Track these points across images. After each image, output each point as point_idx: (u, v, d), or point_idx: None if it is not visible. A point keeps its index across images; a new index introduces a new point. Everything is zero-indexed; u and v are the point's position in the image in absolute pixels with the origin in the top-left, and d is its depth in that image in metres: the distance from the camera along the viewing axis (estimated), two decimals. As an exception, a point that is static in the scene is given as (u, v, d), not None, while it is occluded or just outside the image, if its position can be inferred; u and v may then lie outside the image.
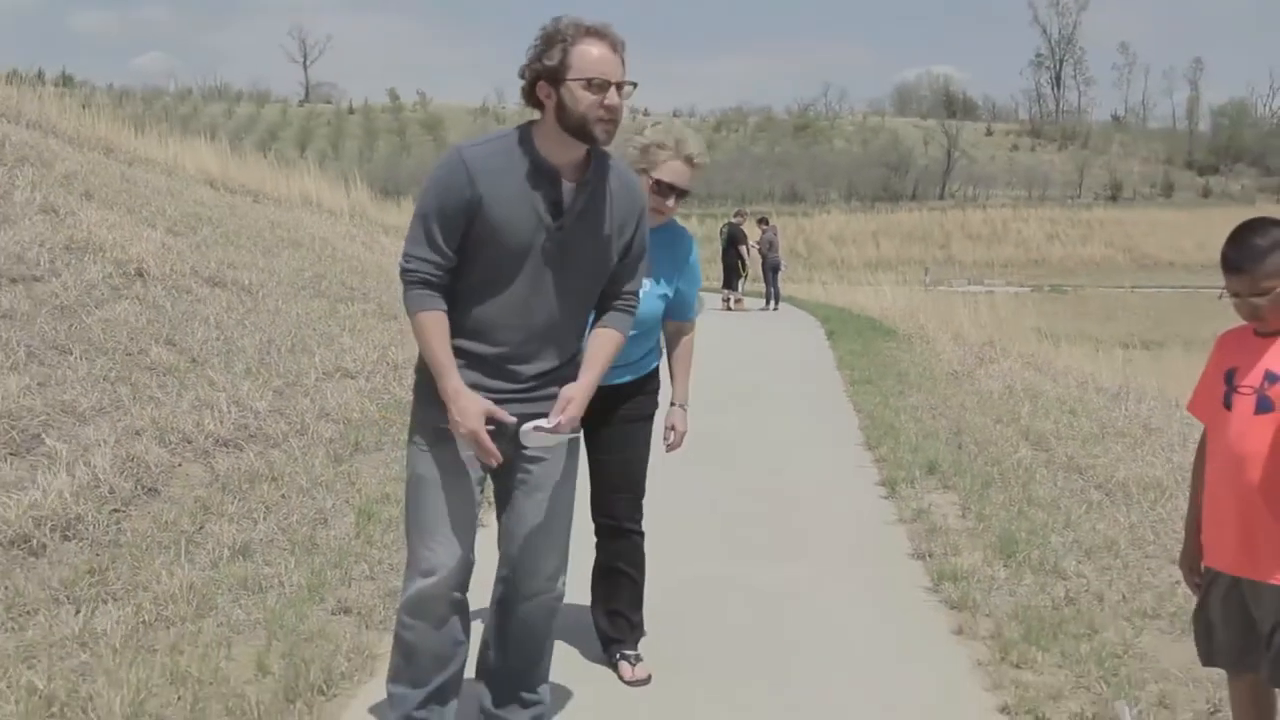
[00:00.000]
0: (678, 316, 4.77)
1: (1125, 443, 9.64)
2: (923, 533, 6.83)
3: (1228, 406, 3.47)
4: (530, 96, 3.49)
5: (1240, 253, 3.38)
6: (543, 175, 3.50)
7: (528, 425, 3.49)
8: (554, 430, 3.49)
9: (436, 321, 3.51)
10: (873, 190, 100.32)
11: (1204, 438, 3.68)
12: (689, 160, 4.49)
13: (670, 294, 4.65)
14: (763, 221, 29.06)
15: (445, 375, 3.48)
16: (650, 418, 4.73)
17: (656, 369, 4.75)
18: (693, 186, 4.55)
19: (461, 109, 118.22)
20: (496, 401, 3.56)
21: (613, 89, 3.40)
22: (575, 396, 3.53)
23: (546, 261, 3.52)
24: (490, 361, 3.60)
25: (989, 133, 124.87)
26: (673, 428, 4.81)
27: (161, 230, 11.71)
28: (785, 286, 29.39)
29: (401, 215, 23.86)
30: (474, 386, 3.55)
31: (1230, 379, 3.48)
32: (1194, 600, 3.73)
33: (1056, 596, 5.67)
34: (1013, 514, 7.16)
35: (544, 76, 3.43)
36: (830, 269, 63.95)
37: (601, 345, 3.66)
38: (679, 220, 4.77)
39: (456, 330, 3.57)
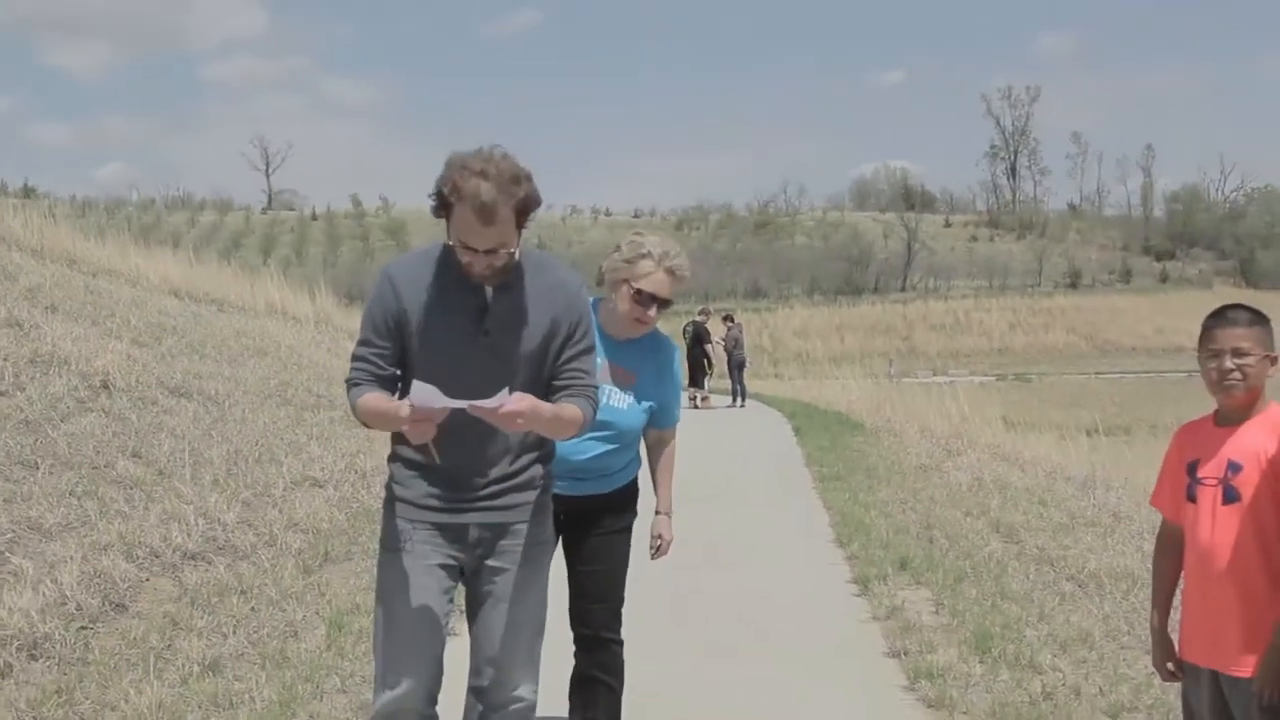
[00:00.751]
0: (660, 424, 4.77)
1: (1095, 532, 9.68)
2: (897, 630, 6.81)
3: (1192, 499, 3.50)
4: None
5: (1226, 312, 3.47)
6: (464, 283, 3.54)
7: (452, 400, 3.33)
8: (491, 409, 3.32)
9: (372, 395, 3.55)
10: (835, 284, 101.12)
11: (1162, 531, 3.72)
12: (670, 271, 4.53)
13: (655, 405, 4.66)
14: (728, 319, 29.20)
15: (388, 407, 3.47)
16: (629, 528, 4.72)
17: (636, 478, 4.75)
18: (674, 296, 4.59)
19: (424, 213, 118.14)
20: (455, 510, 3.59)
21: (480, 253, 3.42)
22: (530, 400, 3.38)
23: (481, 367, 3.53)
24: (443, 472, 3.62)
25: (948, 224, 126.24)
26: (659, 536, 4.79)
27: (126, 341, 11.68)
28: (750, 382, 29.48)
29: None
30: (431, 498, 3.62)
31: (1193, 471, 3.51)
32: (1171, 691, 3.74)
33: (1033, 692, 5.65)
34: (986, 608, 7.16)
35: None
36: (795, 363, 64.37)
37: (563, 404, 3.58)
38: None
39: (409, 443, 3.62)
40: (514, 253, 3.49)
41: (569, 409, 3.57)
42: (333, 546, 8.08)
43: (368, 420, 3.58)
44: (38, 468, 7.51)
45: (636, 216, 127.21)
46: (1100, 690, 5.71)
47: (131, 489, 7.83)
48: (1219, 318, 3.48)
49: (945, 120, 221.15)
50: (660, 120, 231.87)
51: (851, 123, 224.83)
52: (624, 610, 4.75)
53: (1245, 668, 3.37)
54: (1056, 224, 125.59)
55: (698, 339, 27.25)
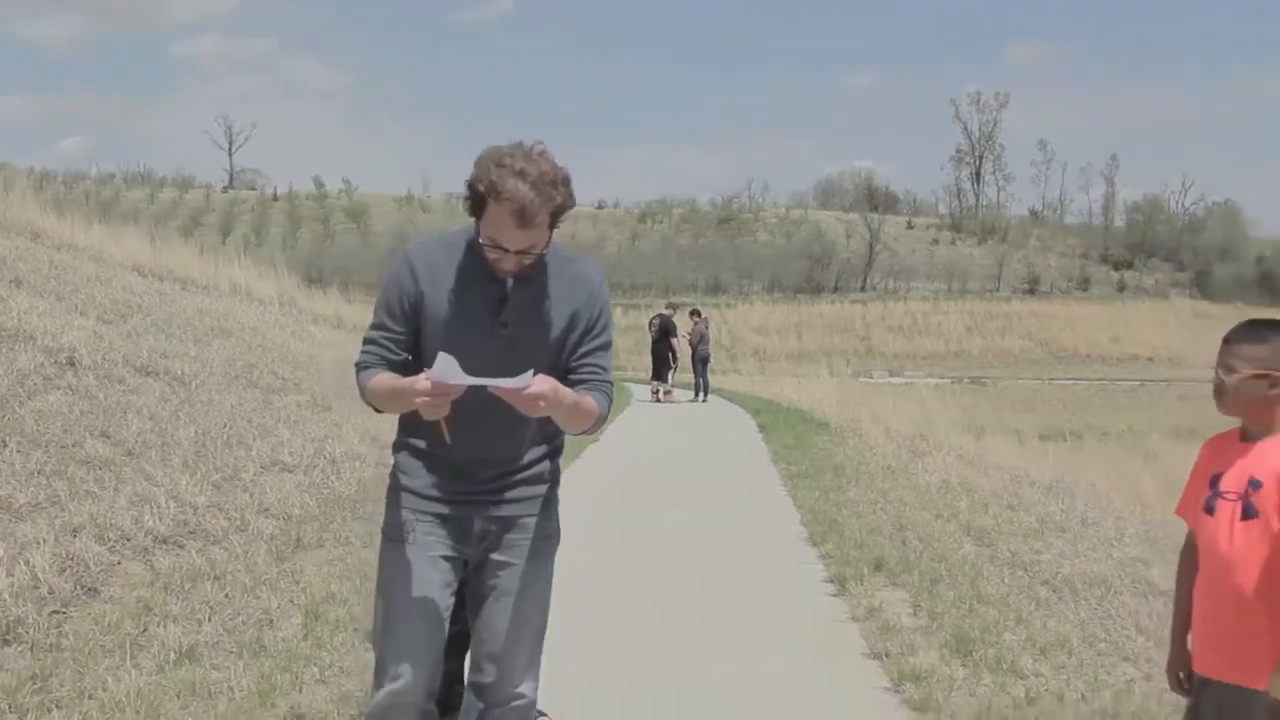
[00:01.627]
0: None
1: (1065, 538, 9.70)
2: (876, 631, 6.77)
3: (1210, 512, 3.47)
4: None
5: (1235, 330, 3.45)
6: (486, 273, 3.45)
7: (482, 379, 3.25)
8: (513, 390, 3.24)
9: (384, 375, 3.46)
10: (795, 282, 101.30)
11: (1188, 540, 3.69)
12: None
13: None
14: (694, 313, 29.09)
15: (403, 383, 3.36)
16: None
17: None
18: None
19: (387, 198, 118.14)
20: (462, 503, 3.53)
21: (510, 253, 3.35)
22: (554, 383, 3.30)
23: (496, 359, 3.40)
24: (452, 464, 3.55)
25: (910, 226, 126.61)
26: None
27: (93, 318, 11.50)
28: (709, 377, 29.47)
29: (330, 304, 23.71)
30: (436, 489, 3.53)
31: (1214, 483, 3.48)
32: (1153, 699, 3.71)
33: (1017, 696, 5.63)
34: (964, 611, 7.13)
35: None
36: (753, 359, 64.43)
37: (583, 395, 3.50)
38: None
39: (417, 431, 3.55)
40: (543, 252, 3.42)
41: (588, 400, 3.50)
42: (304, 533, 7.98)
43: (378, 402, 3.50)
44: (5, 445, 7.36)
45: (600, 208, 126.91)
46: (1082, 696, 5.69)
47: (101, 469, 7.70)
48: (1224, 339, 3.48)
49: (913, 123, 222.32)
50: (627, 113, 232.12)
51: (821, 122, 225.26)
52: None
53: (1252, 679, 3.34)
54: (1018, 230, 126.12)
55: (664, 332, 27.23)
